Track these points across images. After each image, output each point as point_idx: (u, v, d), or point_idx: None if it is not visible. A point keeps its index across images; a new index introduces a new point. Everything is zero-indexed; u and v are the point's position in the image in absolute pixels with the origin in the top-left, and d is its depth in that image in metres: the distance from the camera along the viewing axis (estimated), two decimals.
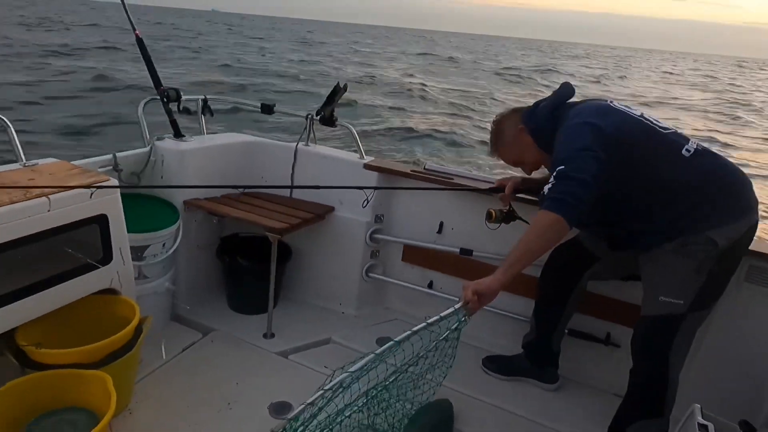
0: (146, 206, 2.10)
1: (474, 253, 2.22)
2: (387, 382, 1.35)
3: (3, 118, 1.68)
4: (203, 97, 2.45)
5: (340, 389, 1.21)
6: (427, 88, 17.51)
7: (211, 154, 2.32)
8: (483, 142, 9.41)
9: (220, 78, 15.86)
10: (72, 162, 1.78)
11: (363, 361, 1.22)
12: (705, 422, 1.24)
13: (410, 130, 10.84)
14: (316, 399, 1.15)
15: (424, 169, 2.29)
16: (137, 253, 1.91)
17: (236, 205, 2.25)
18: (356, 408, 1.33)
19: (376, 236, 2.39)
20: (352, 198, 2.27)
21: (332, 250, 2.43)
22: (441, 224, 2.30)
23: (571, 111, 1.59)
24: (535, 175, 1.88)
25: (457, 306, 1.39)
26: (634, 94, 23.00)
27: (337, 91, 2.31)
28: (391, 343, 1.28)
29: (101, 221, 1.64)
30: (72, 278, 1.59)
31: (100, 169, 1.94)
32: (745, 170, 1.58)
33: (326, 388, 1.16)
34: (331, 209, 2.36)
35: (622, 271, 1.84)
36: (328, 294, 2.48)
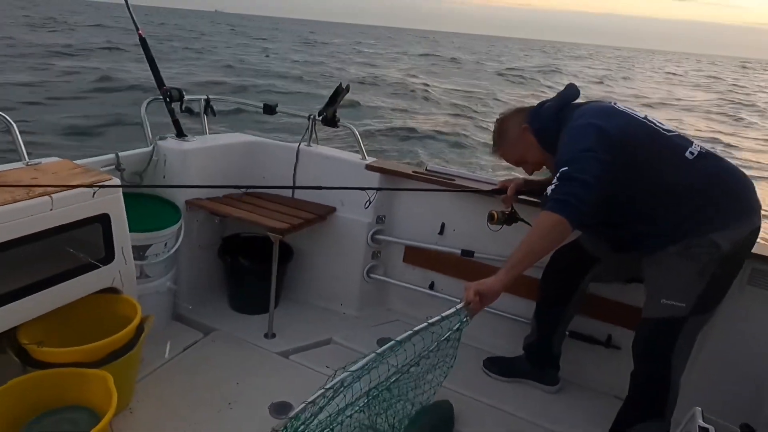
0: (148, 206, 2.10)
1: (475, 254, 2.22)
2: (389, 383, 1.35)
3: (6, 117, 1.69)
4: (206, 97, 2.46)
5: (341, 388, 1.21)
6: (429, 89, 17.52)
7: (213, 154, 2.33)
8: (485, 144, 9.40)
9: (223, 78, 15.91)
10: (75, 161, 1.78)
11: (364, 360, 1.22)
12: (706, 425, 1.23)
13: (412, 130, 10.85)
14: (317, 398, 1.15)
15: (426, 170, 2.29)
16: (139, 252, 1.92)
17: (238, 205, 2.25)
18: (357, 408, 1.33)
19: (377, 237, 2.39)
20: (354, 199, 2.28)
21: (334, 251, 2.43)
22: (442, 225, 2.30)
23: (575, 112, 1.59)
24: (537, 176, 1.88)
25: (458, 306, 1.39)
26: (638, 95, 22.96)
27: (339, 92, 2.31)
28: (393, 342, 1.28)
29: (103, 220, 1.65)
30: (74, 277, 1.59)
31: (102, 169, 1.95)
32: (748, 172, 1.57)
33: (327, 387, 1.16)
34: (333, 210, 2.36)
35: (624, 274, 1.83)
36: (330, 294, 2.48)
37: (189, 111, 2.34)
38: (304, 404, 1.14)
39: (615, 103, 1.63)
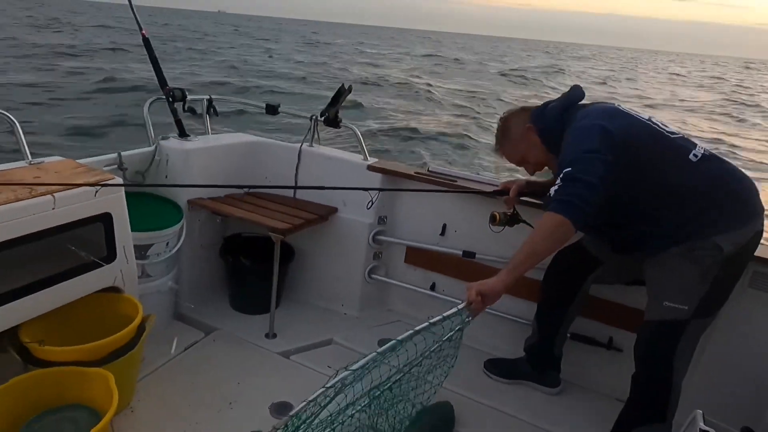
0: (150, 205, 2.11)
1: (477, 255, 2.22)
2: (390, 383, 1.35)
3: (10, 116, 1.70)
4: (208, 97, 2.46)
5: (343, 387, 1.20)
6: (432, 89, 17.51)
7: (215, 154, 2.33)
8: (488, 145, 9.39)
9: (226, 79, 15.94)
10: (77, 161, 1.79)
11: (365, 359, 1.22)
12: (707, 428, 1.22)
13: (415, 131, 10.84)
14: (317, 396, 1.15)
15: (428, 171, 2.29)
16: (141, 251, 1.92)
17: (240, 205, 2.26)
18: (359, 407, 1.32)
19: (379, 238, 2.39)
20: (356, 199, 2.28)
21: (335, 251, 2.43)
22: (444, 226, 2.30)
23: (579, 113, 1.59)
24: (539, 177, 1.87)
25: (460, 306, 1.38)
26: (641, 95, 22.91)
27: (341, 93, 2.31)
28: (394, 341, 1.27)
29: (105, 220, 1.65)
30: (76, 276, 1.60)
31: (105, 168, 1.95)
32: (753, 173, 1.57)
33: (328, 386, 1.16)
34: (335, 210, 2.36)
35: (626, 276, 1.83)
36: (331, 295, 2.48)
37: (192, 111, 2.35)
38: (305, 402, 1.14)
39: (619, 105, 1.63)
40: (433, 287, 2.39)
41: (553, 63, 41.43)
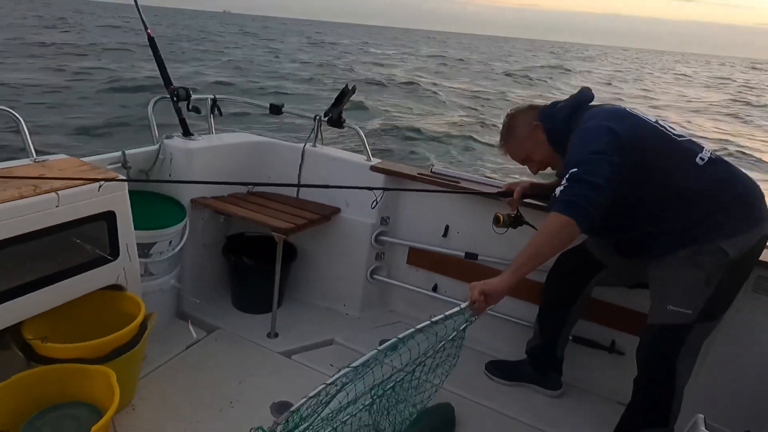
0: (154, 204, 2.12)
1: (479, 257, 2.21)
2: (393, 382, 1.34)
3: (15, 114, 1.71)
4: (212, 96, 2.47)
5: (344, 385, 1.20)
6: (437, 90, 17.49)
7: (219, 154, 2.34)
8: (493, 146, 9.36)
9: (232, 79, 15.99)
10: (81, 159, 1.80)
11: (366, 357, 1.22)
12: None
13: (419, 131, 10.84)
14: (318, 392, 1.15)
15: (431, 172, 2.28)
16: (144, 250, 1.93)
17: (243, 204, 2.26)
18: (362, 407, 1.32)
19: (381, 238, 2.39)
20: (359, 199, 2.28)
21: (337, 252, 2.43)
22: (447, 227, 2.30)
23: (586, 114, 1.58)
24: (542, 179, 1.87)
25: (463, 306, 1.38)
26: (647, 96, 22.80)
27: (345, 93, 2.31)
28: (395, 339, 1.27)
29: (109, 218, 1.66)
30: (78, 274, 1.61)
31: (109, 166, 1.96)
32: (761, 174, 1.56)
33: (329, 382, 1.16)
34: (337, 210, 2.36)
35: (629, 279, 1.82)
36: (333, 295, 2.48)
37: (196, 110, 2.36)
38: (305, 399, 1.14)
39: (626, 107, 1.63)
40: (435, 288, 2.39)
41: (558, 63, 41.30)
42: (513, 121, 1.76)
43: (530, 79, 25.30)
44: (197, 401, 1.78)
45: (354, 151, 2.58)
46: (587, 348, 2.07)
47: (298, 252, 2.45)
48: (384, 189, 2.14)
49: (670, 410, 1.57)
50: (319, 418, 1.20)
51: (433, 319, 1.32)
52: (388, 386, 1.31)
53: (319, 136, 2.45)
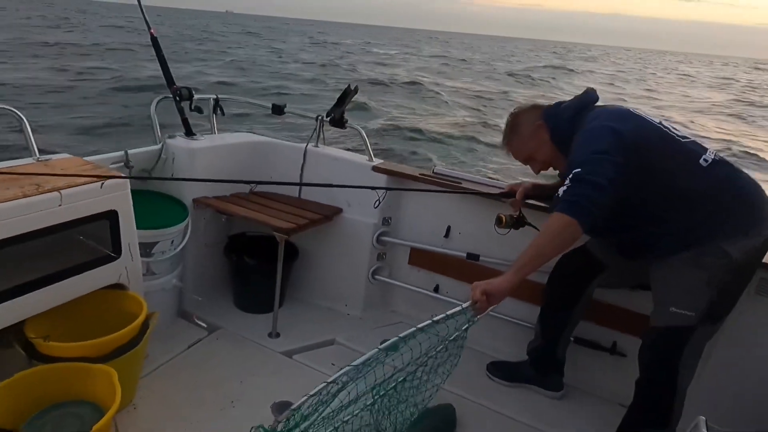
0: (156, 203, 2.12)
1: (481, 258, 2.21)
2: (396, 382, 1.34)
3: (18, 113, 1.71)
4: (215, 96, 2.47)
5: (345, 384, 1.20)
6: (439, 89, 17.48)
7: (221, 153, 2.34)
8: (496, 146, 9.35)
9: (234, 79, 16.01)
10: (84, 158, 1.80)
11: (367, 355, 1.22)
12: None
13: (421, 132, 10.83)
14: (319, 390, 1.15)
15: (433, 172, 2.28)
16: (146, 249, 1.93)
17: (245, 204, 2.26)
18: (363, 406, 1.32)
19: (383, 239, 2.39)
20: (360, 199, 2.28)
21: (339, 252, 2.43)
22: (448, 228, 2.29)
23: (590, 114, 1.58)
24: (544, 179, 1.86)
25: (465, 305, 1.37)
26: (650, 96, 22.75)
27: (347, 93, 2.31)
28: (396, 338, 1.27)
29: (111, 217, 1.66)
30: (81, 273, 1.61)
31: (111, 166, 1.97)
32: (761, 174, 1.55)
33: (329, 381, 1.16)
34: (339, 210, 2.36)
35: (631, 280, 1.81)
36: (334, 295, 2.48)
37: (198, 110, 2.36)
38: (306, 397, 1.14)
39: (630, 108, 1.63)
40: (436, 289, 2.39)
41: (561, 63, 41.25)
42: (517, 119, 1.76)
43: (532, 79, 25.27)
44: (198, 400, 1.78)
45: (356, 152, 2.58)
46: (589, 349, 2.07)
47: (299, 252, 2.45)
48: (387, 188, 2.14)
49: (672, 412, 1.57)
50: (320, 417, 1.20)
51: (435, 318, 1.31)
52: (390, 386, 1.31)
53: (321, 136, 2.46)
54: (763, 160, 10.91)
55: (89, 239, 1.62)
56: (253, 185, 2.42)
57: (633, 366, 1.62)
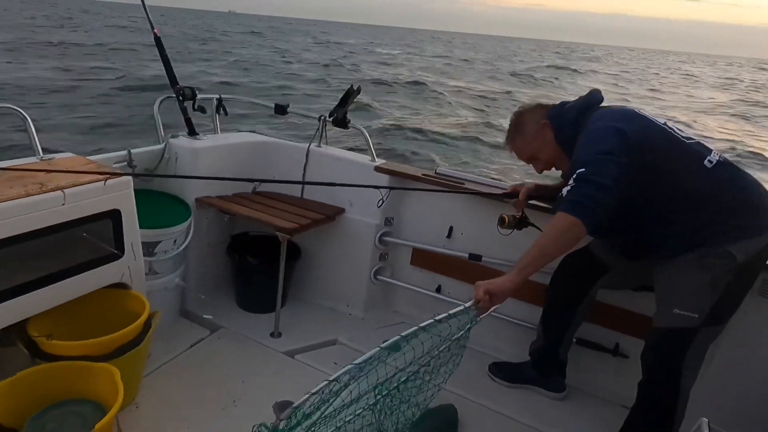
0: (159, 203, 2.13)
1: (483, 258, 2.20)
2: (398, 382, 1.34)
3: (22, 112, 1.72)
4: (218, 96, 2.48)
5: (346, 383, 1.20)
6: (442, 90, 17.47)
7: (224, 153, 2.35)
8: (498, 147, 9.33)
9: (238, 79, 16.04)
10: (87, 157, 1.81)
11: (369, 353, 1.22)
12: None
13: (424, 132, 10.82)
14: (321, 389, 1.15)
15: (436, 172, 2.28)
16: (148, 248, 1.94)
17: (247, 203, 2.27)
18: (365, 406, 1.32)
19: (385, 239, 2.39)
20: (363, 200, 2.28)
21: (341, 252, 2.43)
22: (451, 228, 2.29)
23: (594, 115, 1.58)
24: (547, 180, 1.86)
25: (467, 305, 1.37)
26: (654, 96, 22.68)
27: (350, 93, 2.31)
28: (397, 337, 1.26)
29: (114, 216, 1.67)
30: (84, 272, 1.62)
31: (114, 165, 1.97)
32: (766, 175, 1.55)
33: (331, 379, 1.16)
34: (342, 211, 2.36)
35: (634, 281, 1.81)
36: (336, 295, 2.48)
37: (201, 110, 2.37)
38: (308, 395, 1.14)
39: (634, 108, 1.62)
40: (438, 290, 2.39)
41: (564, 63, 41.16)
42: (521, 118, 1.75)
43: (535, 79, 25.22)
44: (200, 399, 1.79)
45: (358, 152, 2.58)
46: (591, 351, 2.06)
47: (302, 252, 2.46)
48: (389, 188, 2.14)
49: (674, 414, 1.56)
50: (322, 416, 1.20)
51: (437, 318, 1.31)
52: (393, 386, 1.31)
53: (324, 136, 2.46)
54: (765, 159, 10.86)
55: (92, 238, 1.62)
56: (255, 185, 2.42)
57: (635, 367, 1.62)
